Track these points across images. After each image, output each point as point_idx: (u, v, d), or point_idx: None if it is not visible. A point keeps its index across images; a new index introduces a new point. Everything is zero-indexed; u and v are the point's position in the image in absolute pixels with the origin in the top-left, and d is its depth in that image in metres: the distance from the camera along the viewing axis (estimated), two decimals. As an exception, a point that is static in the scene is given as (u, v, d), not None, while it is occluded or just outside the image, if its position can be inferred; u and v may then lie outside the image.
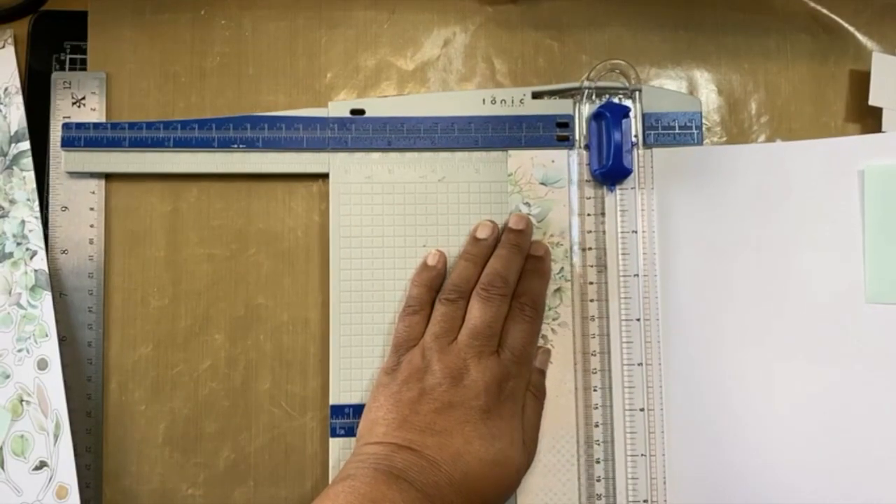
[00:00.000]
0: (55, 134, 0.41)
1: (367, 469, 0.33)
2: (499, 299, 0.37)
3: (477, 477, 0.35)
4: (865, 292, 0.39)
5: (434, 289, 0.39)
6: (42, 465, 0.39)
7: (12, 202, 0.41)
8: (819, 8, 0.44)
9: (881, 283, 0.39)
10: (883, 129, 0.41)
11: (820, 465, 0.38)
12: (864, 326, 0.39)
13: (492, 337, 0.37)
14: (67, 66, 0.43)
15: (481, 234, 0.39)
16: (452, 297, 0.38)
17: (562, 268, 0.41)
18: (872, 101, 0.41)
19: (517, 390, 0.37)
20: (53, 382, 0.39)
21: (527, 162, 0.41)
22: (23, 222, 0.41)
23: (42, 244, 0.40)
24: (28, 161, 0.41)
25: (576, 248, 0.41)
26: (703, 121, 0.42)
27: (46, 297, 0.40)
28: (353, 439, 0.39)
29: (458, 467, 0.34)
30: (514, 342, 0.37)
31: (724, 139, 0.43)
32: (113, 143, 0.41)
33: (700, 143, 0.41)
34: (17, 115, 0.42)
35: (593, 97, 0.41)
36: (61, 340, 0.40)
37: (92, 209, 0.41)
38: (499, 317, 0.37)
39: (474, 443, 0.35)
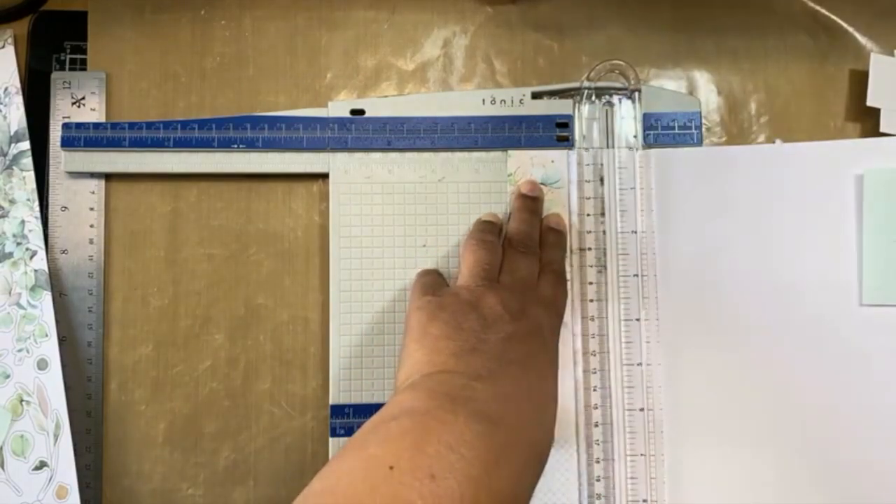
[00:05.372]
0: (55, 134, 0.41)
1: (440, 399, 0.29)
2: (533, 255, 0.38)
3: (543, 411, 0.33)
4: (861, 294, 0.39)
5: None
6: (42, 465, 0.39)
7: (12, 202, 0.41)
8: (819, 8, 0.44)
9: (877, 285, 0.39)
10: (881, 130, 0.41)
11: (817, 464, 0.38)
12: (859, 327, 0.39)
13: (533, 290, 0.37)
14: (67, 66, 0.43)
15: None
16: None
17: (562, 268, 0.41)
18: (871, 102, 0.41)
19: (555, 343, 0.37)
20: (53, 382, 0.39)
21: (526, 162, 0.41)
22: (23, 222, 0.41)
23: (42, 244, 0.40)
24: (28, 161, 0.41)
25: (575, 248, 0.41)
26: (703, 121, 0.42)
27: (46, 297, 0.40)
28: (353, 439, 0.39)
29: (533, 398, 0.33)
30: (551, 299, 0.37)
31: (724, 139, 0.43)
32: (113, 143, 0.41)
33: (700, 143, 0.41)
34: (17, 115, 0.42)
35: (593, 97, 0.41)
36: (61, 340, 0.40)
37: (92, 209, 0.41)
38: (535, 273, 0.38)
39: (547, 377, 0.34)
